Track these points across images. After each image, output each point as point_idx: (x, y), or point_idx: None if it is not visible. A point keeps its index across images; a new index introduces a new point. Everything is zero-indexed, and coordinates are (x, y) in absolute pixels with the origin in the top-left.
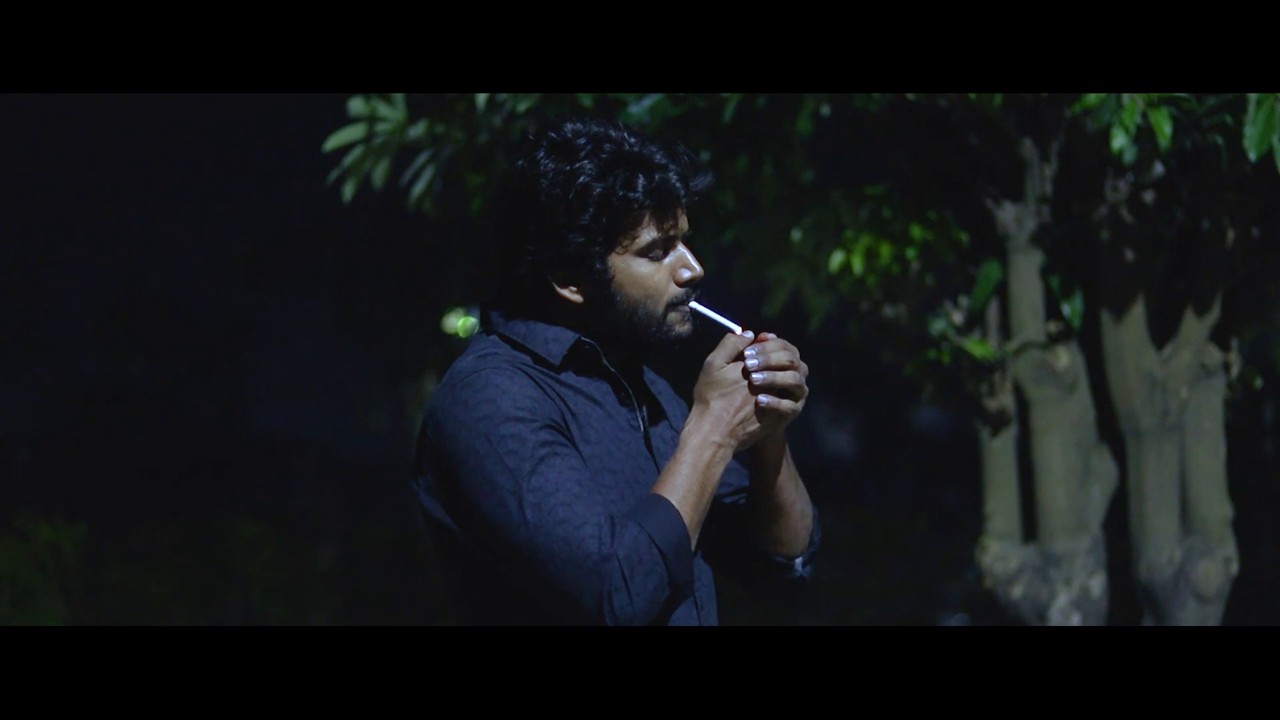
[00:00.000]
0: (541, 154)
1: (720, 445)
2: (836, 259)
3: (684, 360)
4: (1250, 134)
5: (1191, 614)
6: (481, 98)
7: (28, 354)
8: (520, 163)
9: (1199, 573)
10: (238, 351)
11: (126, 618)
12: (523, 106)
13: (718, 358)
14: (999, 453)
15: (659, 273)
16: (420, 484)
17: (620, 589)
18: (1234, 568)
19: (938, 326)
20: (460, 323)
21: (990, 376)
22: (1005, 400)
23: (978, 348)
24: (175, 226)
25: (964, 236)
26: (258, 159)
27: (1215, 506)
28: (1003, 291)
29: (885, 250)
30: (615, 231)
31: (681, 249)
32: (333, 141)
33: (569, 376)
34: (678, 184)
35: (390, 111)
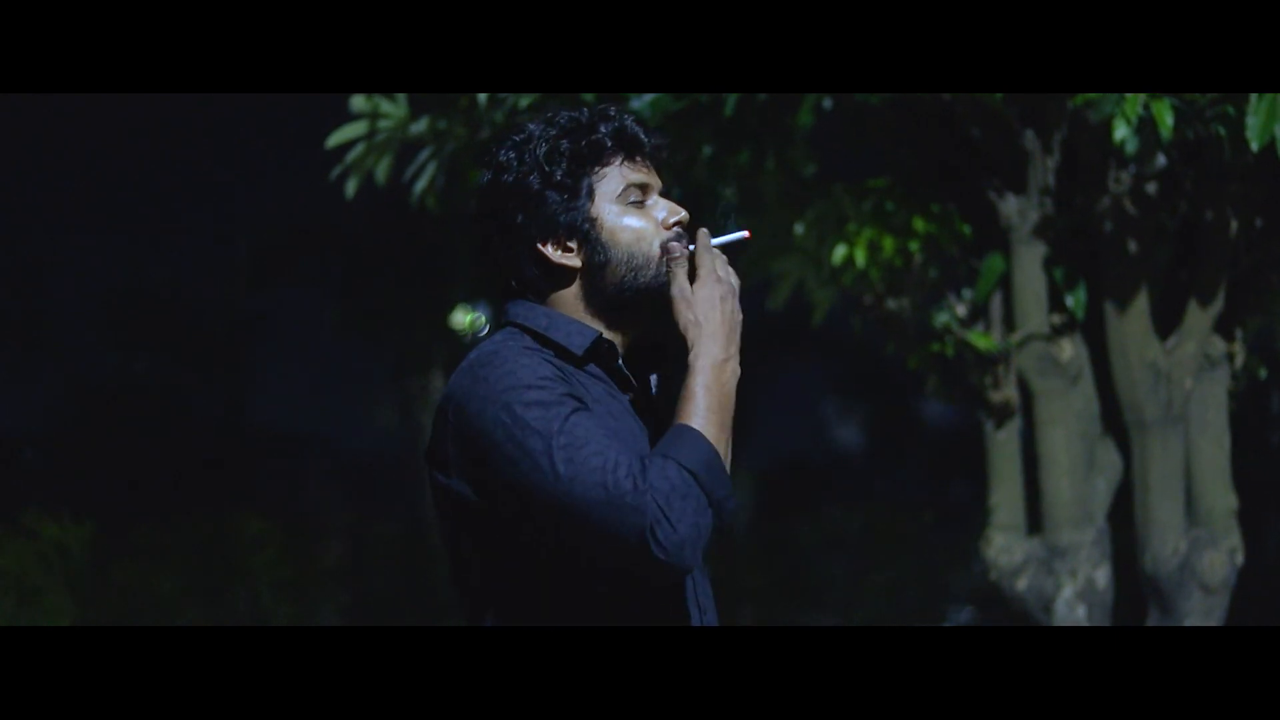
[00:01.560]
0: (503, 152)
1: (728, 358)
2: (840, 252)
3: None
4: (1252, 125)
5: (1197, 605)
6: (483, 95)
7: (33, 352)
8: (487, 174)
9: (1204, 564)
10: (243, 349)
11: (133, 616)
12: (525, 102)
13: (683, 282)
14: (1003, 445)
15: (644, 218)
16: (441, 471)
17: (661, 520)
18: (1239, 558)
19: (941, 319)
20: (466, 319)
21: (994, 368)
22: (1009, 392)
23: (981, 340)
24: (180, 224)
25: (967, 229)
26: (261, 157)
27: (1220, 497)
28: (1006, 283)
29: (888, 243)
30: (591, 180)
31: (661, 199)
32: (335, 138)
33: (587, 374)
34: (637, 127)
35: (392, 108)
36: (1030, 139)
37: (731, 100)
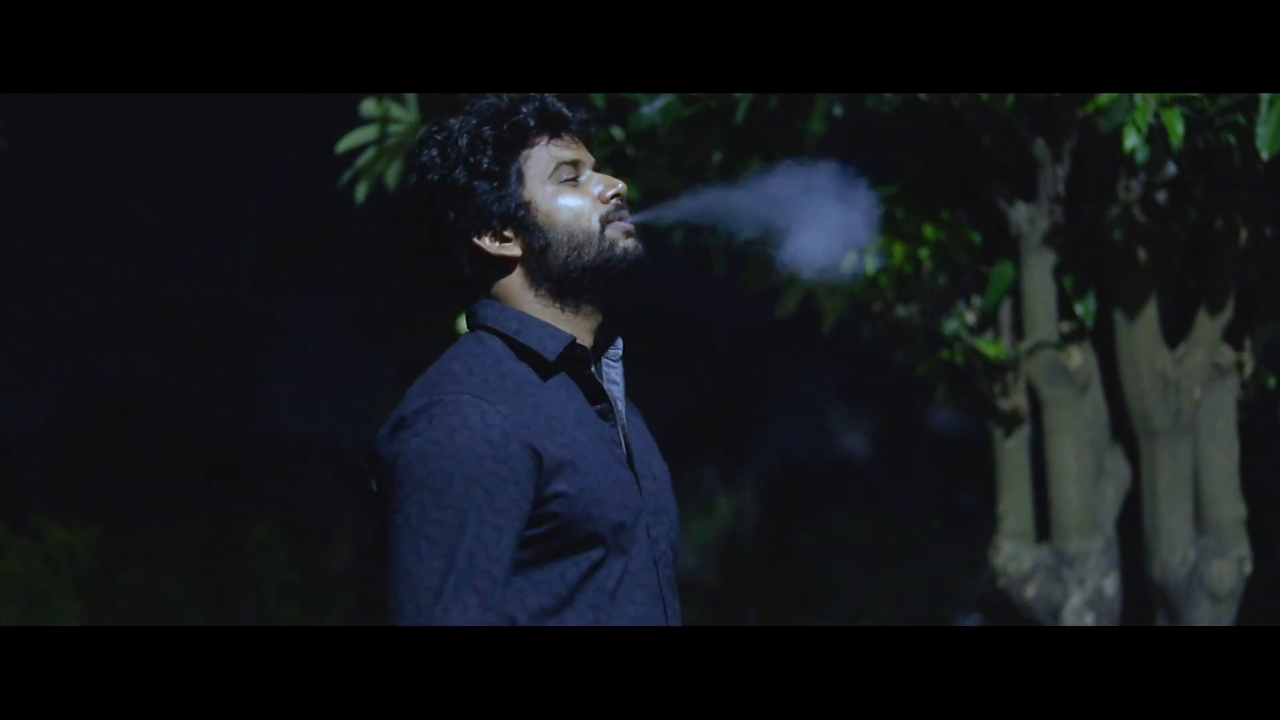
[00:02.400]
0: (424, 152)
1: None
2: (849, 259)
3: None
4: (1262, 133)
5: (1205, 614)
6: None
7: (40, 356)
8: (411, 176)
9: (1212, 572)
10: (250, 353)
11: (140, 619)
12: None
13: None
14: (1012, 453)
15: (580, 194)
16: (370, 477)
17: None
18: (1247, 567)
19: (951, 326)
20: None
21: (1003, 376)
22: (1018, 400)
23: (991, 348)
24: (187, 228)
25: (976, 236)
26: (269, 160)
27: (1228, 506)
28: (1015, 291)
29: (898, 250)
30: (519, 164)
31: (595, 173)
32: (345, 143)
33: (557, 386)
34: (559, 103)
35: (402, 112)
36: (1040, 147)
37: (742, 106)
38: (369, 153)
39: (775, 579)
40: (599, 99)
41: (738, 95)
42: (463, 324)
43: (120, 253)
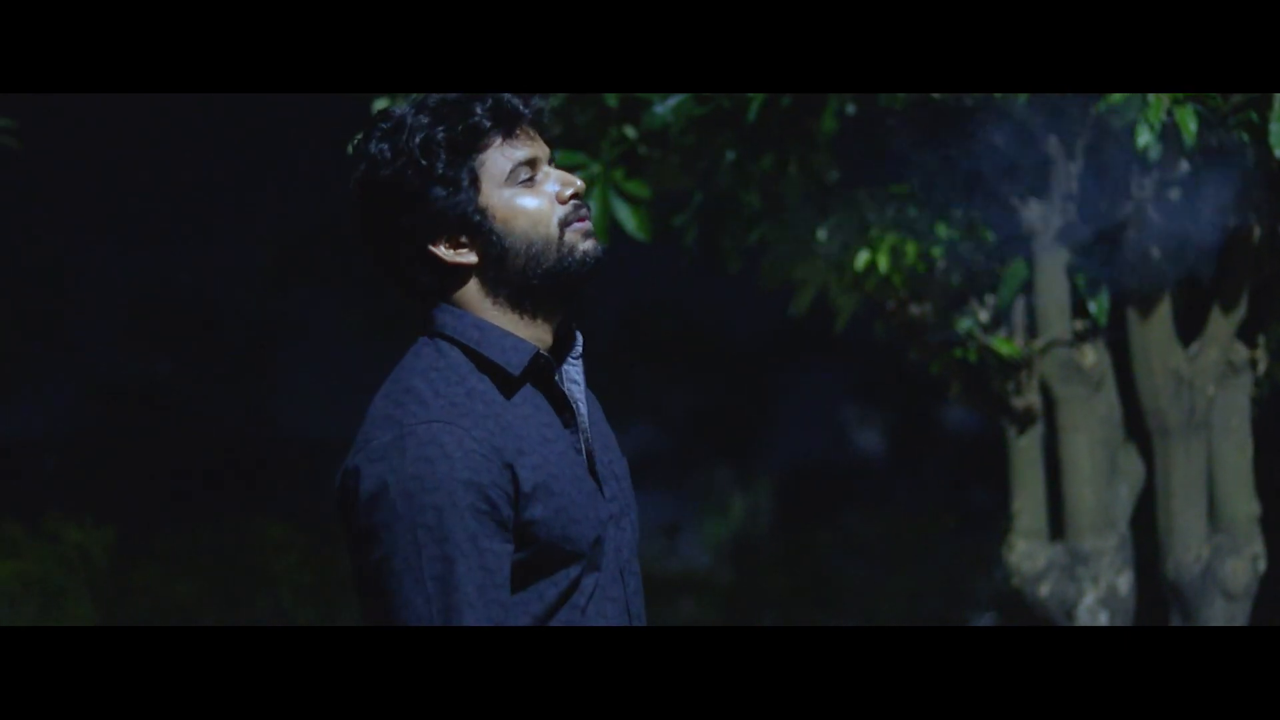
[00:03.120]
0: (374, 144)
1: None
2: (862, 258)
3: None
4: (1275, 131)
5: (1219, 612)
6: None
7: (55, 356)
8: (361, 166)
9: (1226, 570)
10: (265, 353)
11: (155, 620)
12: (553, 105)
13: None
14: (1026, 451)
15: (537, 195)
16: (341, 496)
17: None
18: (1262, 565)
19: (964, 325)
20: None
21: (1017, 375)
22: (1032, 398)
23: (1004, 346)
24: (202, 228)
25: (990, 235)
26: (284, 160)
27: (1243, 504)
28: (1029, 290)
29: (911, 249)
30: (473, 167)
31: (552, 169)
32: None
33: (521, 398)
34: (514, 100)
35: None
36: (1053, 145)
37: (755, 105)
38: None
39: (790, 579)
40: (612, 99)
41: (750, 94)
42: None
43: (134, 253)
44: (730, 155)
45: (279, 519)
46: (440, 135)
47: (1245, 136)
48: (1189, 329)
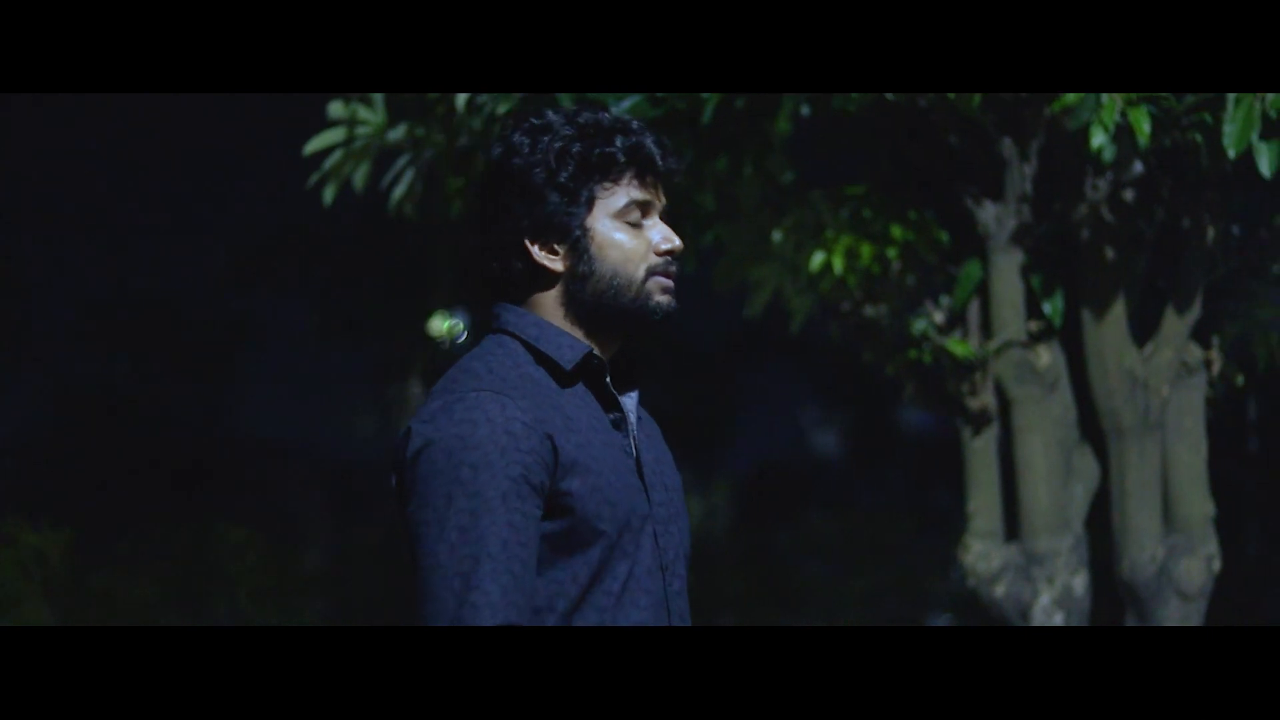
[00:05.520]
0: (518, 134)
1: None
2: (817, 259)
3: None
4: (1229, 131)
5: (1174, 612)
6: (461, 100)
7: (12, 358)
8: (498, 149)
9: (1181, 571)
10: (225, 356)
11: (113, 622)
12: (503, 109)
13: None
14: (981, 452)
15: (637, 238)
16: (395, 475)
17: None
18: (1216, 565)
19: (919, 326)
20: (444, 325)
21: (972, 376)
22: (987, 399)
23: (959, 347)
24: (160, 230)
25: (944, 236)
26: (241, 163)
27: (1197, 504)
28: (984, 291)
29: (866, 250)
30: (593, 191)
31: (660, 221)
32: (313, 145)
33: (572, 393)
34: (654, 149)
35: (370, 114)
36: (1007, 146)
37: (710, 107)
38: (336, 155)
39: (749, 579)
40: (566, 99)
41: (705, 95)
42: (436, 327)
43: (92, 255)
44: (686, 156)
45: (237, 521)
46: (576, 149)
47: (1199, 138)
48: (1143, 329)
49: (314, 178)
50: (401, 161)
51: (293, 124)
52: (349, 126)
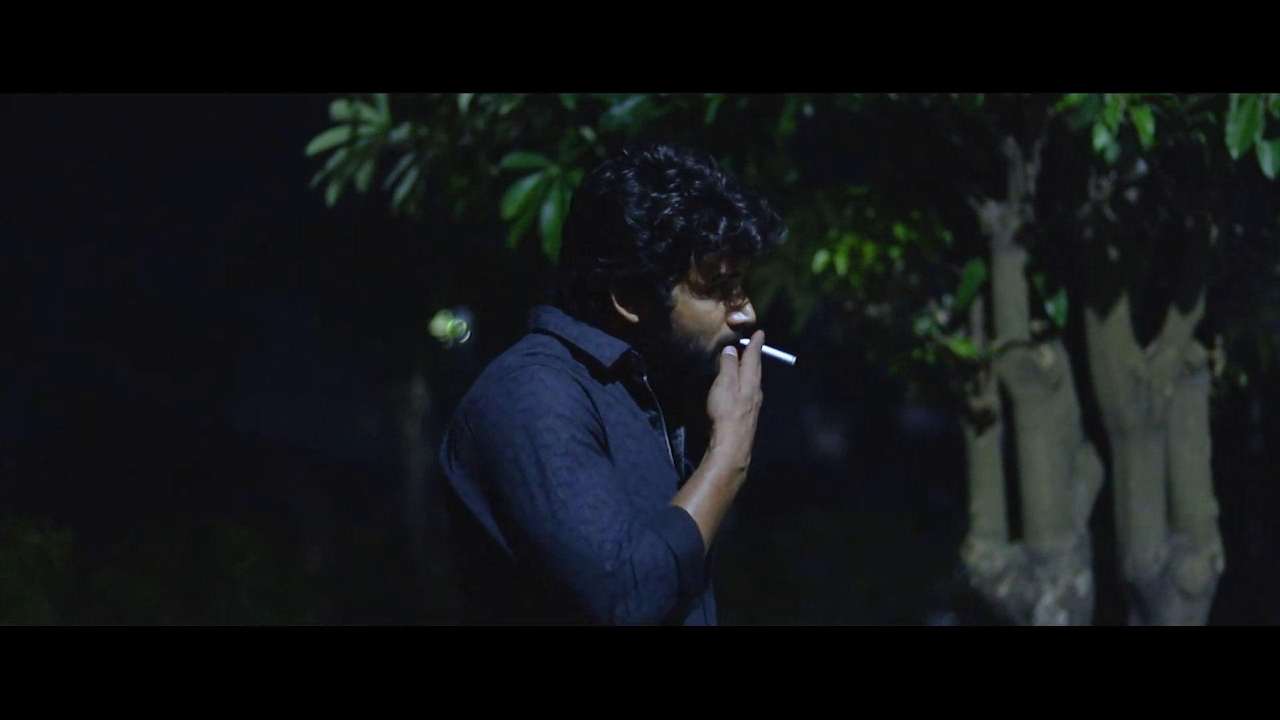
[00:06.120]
0: (631, 175)
1: (743, 469)
2: (820, 259)
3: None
4: (1233, 131)
5: (1177, 611)
6: (464, 100)
7: (14, 359)
8: (609, 175)
9: (1185, 570)
10: (225, 356)
11: (114, 622)
12: (505, 109)
13: (751, 378)
14: (984, 452)
15: (716, 311)
16: (453, 466)
17: (630, 594)
18: (1219, 565)
19: (922, 326)
20: (447, 325)
21: (975, 375)
22: (990, 399)
23: (962, 347)
24: (161, 230)
25: (948, 236)
26: (243, 163)
27: (1200, 504)
28: (987, 290)
29: (869, 250)
30: (687, 267)
31: (741, 293)
32: (316, 145)
33: (611, 388)
34: (757, 235)
35: (373, 114)
36: (1011, 146)
37: (713, 106)
38: (340, 155)
39: (750, 578)
40: (570, 100)
41: (708, 95)
42: (438, 327)
43: (94, 256)
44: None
45: (238, 521)
46: (680, 226)
47: (1202, 137)
48: (1147, 329)
49: (317, 178)
50: (404, 161)
51: (296, 124)
52: (352, 126)
